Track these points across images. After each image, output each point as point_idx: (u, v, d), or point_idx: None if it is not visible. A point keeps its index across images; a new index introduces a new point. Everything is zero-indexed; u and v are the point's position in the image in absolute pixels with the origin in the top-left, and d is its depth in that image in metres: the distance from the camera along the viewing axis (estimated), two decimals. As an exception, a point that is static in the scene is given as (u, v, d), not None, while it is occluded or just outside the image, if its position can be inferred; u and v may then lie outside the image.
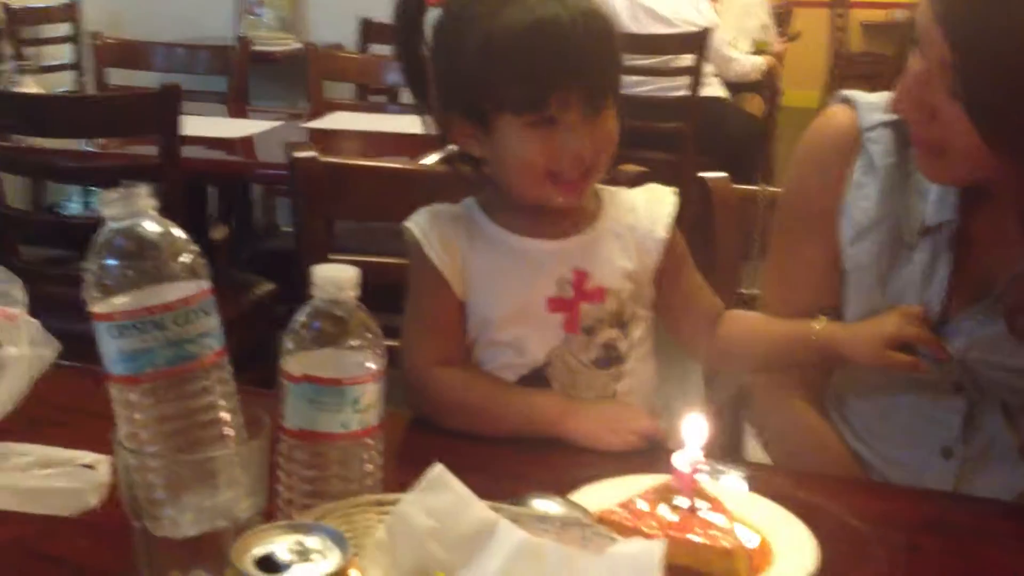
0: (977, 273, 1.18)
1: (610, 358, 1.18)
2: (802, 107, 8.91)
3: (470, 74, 1.11)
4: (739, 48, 4.87)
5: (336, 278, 0.83)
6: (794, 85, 7.62)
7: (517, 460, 1.09)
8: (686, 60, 4.11)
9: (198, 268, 0.78)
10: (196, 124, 2.72)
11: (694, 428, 0.93)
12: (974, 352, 1.18)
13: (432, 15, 1.16)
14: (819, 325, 1.18)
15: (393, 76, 3.53)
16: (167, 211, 0.80)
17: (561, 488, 0.95)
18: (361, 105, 3.60)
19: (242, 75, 3.59)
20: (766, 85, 5.07)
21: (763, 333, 1.24)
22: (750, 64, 4.82)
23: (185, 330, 0.75)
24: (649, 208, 1.21)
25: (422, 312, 1.19)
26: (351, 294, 0.83)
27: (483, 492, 0.84)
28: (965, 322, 1.18)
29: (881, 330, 1.14)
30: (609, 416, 1.13)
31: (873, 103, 1.25)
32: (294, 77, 4.30)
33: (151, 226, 0.77)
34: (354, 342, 0.84)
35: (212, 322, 0.78)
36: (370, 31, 4.02)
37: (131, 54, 3.69)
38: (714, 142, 4.27)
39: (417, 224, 1.18)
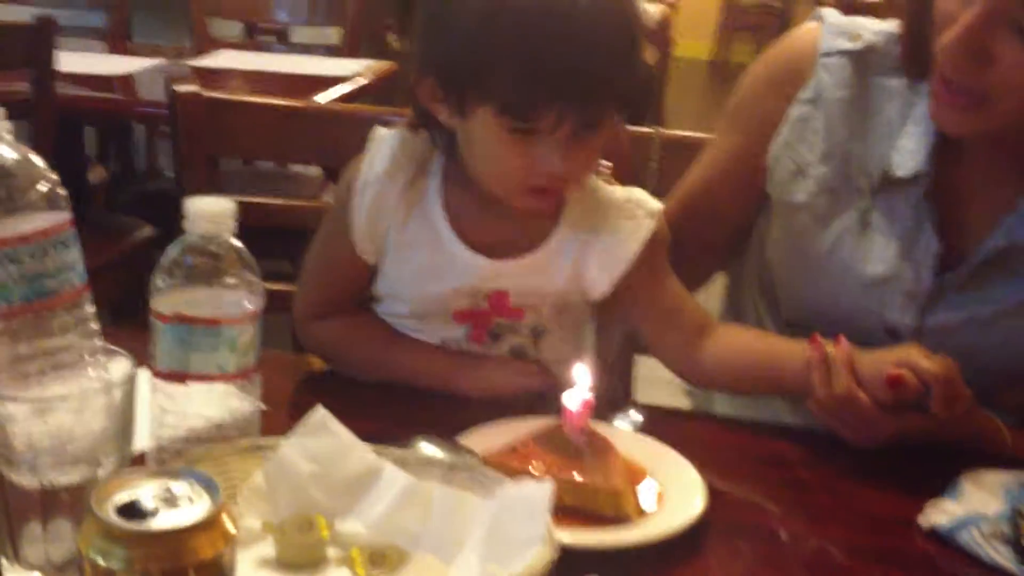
0: (951, 232, 1.13)
1: (514, 356, 1.12)
2: (693, 57, 9.02)
3: (460, 45, 0.93)
4: (634, -4, 4.86)
5: (210, 211, 0.78)
6: (685, 36, 7.66)
7: (403, 403, 1.06)
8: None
9: (57, 198, 0.73)
10: (73, 60, 2.59)
11: (582, 371, 0.91)
12: (965, 334, 1.11)
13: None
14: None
15: (282, 14, 3.42)
16: (40, 151, 0.74)
17: (449, 431, 0.92)
18: (248, 44, 3.48)
19: (122, 10, 3.43)
20: (659, 34, 5.07)
21: (749, 356, 1.10)
22: (645, 13, 4.82)
23: (43, 264, 0.70)
24: (619, 223, 1.07)
25: (322, 256, 1.12)
26: (227, 228, 0.79)
27: (368, 435, 0.81)
28: (952, 296, 1.12)
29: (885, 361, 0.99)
30: (500, 369, 1.09)
31: (841, 26, 1.18)
32: (177, 13, 4.14)
33: (6, 152, 0.72)
34: (230, 280, 0.80)
35: (73, 256, 0.73)
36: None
37: (2, -15, 3.49)
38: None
39: (370, 165, 1.05)
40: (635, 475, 0.91)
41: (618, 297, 1.10)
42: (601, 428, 0.94)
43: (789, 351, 1.07)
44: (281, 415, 0.94)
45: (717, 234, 1.30)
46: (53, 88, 2.20)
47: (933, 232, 1.12)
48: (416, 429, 0.90)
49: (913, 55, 1.10)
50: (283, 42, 3.51)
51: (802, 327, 1.20)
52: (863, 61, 1.16)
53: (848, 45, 1.17)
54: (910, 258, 1.14)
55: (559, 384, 1.10)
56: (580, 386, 0.91)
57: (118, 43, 3.35)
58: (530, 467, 0.87)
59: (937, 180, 1.13)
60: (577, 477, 0.87)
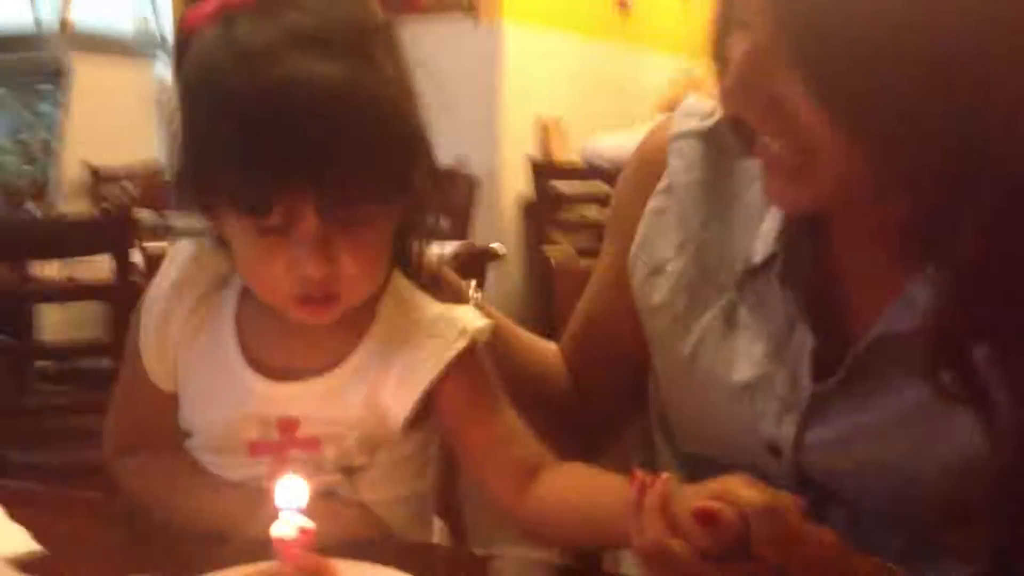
0: (834, 329, 0.93)
1: (324, 496, 0.92)
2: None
3: (189, 143, 0.87)
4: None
5: None
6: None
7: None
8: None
9: None
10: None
11: (292, 488, 0.79)
12: (856, 449, 0.90)
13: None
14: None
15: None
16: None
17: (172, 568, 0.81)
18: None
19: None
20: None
21: (570, 499, 0.91)
22: None
23: None
24: (423, 343, 0.93)
25: (120, 383, 1.02)
26: None
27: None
28: (837, 402, 0.91)
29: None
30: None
31: (694, 107, 1.03)
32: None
33: None
34: None
35: None
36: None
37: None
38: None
39: (160, 281, 0.97)
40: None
41: (436, 429, 0.96)
42: (320, 556, 0.79)
43: (610, 492, 0.85)
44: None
45: (617, 369, 1.11)
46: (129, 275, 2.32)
47: (807, 328, 0.92)
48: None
49: (732, 121, 0.91)
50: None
51: (695, 455, 1.03)
52: (715, 140, 1.00)
53: (697, 124, 1.01)
54: (782, 359, 0.93)
55: (381, 529, 0.97)
56: (290, 508, 0.79)
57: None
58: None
59: (814, 268, 0.93)
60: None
